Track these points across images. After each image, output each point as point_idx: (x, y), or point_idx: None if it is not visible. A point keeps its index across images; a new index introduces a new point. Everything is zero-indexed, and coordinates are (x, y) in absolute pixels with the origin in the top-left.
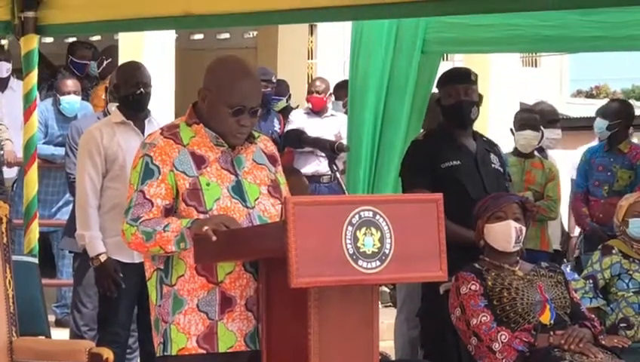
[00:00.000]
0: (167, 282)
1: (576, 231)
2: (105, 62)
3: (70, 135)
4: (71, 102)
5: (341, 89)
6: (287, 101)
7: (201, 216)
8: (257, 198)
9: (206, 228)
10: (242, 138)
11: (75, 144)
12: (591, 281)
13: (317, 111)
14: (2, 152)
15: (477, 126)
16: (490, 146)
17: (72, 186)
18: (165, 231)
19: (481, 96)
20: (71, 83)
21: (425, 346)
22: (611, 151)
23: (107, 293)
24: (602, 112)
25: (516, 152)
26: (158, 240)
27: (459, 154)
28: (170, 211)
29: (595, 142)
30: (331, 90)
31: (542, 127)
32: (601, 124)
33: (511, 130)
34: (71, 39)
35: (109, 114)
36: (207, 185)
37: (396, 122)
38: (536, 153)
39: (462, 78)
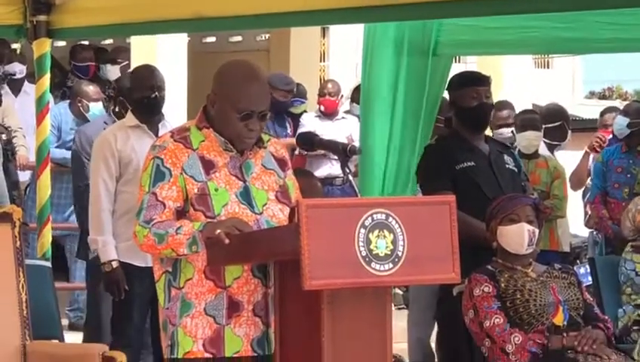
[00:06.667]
0: (175, 285)
1: (586, 231)
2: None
3: (79, 143)
4: (100, 109)
5: (359, 92)
6: None
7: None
8: (265, 204)
9: (218, 231)
10: (250, 142)
11: (84, 153)
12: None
13: (328, 113)
14: (16, 156)
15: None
16: (503, 148)
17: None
18: (177, 234)
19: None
20: (94, 90)
21: (442, 349)
22: (630, 152)
23: (115, 298)
24: (624, 110)
25: (520, 154)
26: (170, 243)
27: (472, 156)
28: (181, 213)
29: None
30: (342, 93)
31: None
32: (621, 121)
33: (512, 132)
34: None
35: (113, 115)
36: (216, 190)
37: (411, 124)
38: (540, 152)
39: (482, 81)
